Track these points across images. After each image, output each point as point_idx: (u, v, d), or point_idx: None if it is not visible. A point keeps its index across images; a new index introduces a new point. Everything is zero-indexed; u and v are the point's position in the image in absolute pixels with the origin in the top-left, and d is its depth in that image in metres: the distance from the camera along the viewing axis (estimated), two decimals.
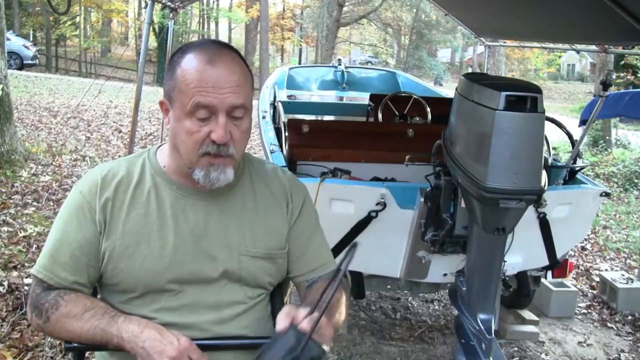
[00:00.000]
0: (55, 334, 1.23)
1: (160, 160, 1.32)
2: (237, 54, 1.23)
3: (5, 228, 4.59)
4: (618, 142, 13.13)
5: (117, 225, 1.24)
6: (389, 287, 3.37)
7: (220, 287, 1.28)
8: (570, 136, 3.62)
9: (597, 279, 4.90)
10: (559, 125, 3.44)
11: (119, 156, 7.72)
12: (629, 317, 4.34)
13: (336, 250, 2.88)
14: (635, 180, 9.53)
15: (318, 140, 3.52)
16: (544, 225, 2.92)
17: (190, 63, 1.17)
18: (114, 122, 10.52)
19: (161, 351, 1.10)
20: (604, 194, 3.09)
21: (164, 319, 1.23)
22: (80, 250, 1.23)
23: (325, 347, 1.08)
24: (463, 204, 2.35)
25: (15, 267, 3.95)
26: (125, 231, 1.24)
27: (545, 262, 3.13)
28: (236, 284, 1.30)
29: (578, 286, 4.85)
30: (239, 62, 1.21)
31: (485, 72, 6.66)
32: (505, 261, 2.40)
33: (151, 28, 10.27)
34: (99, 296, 1.33)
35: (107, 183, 1.26)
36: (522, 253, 2.94)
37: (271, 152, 3.47)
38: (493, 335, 2.32)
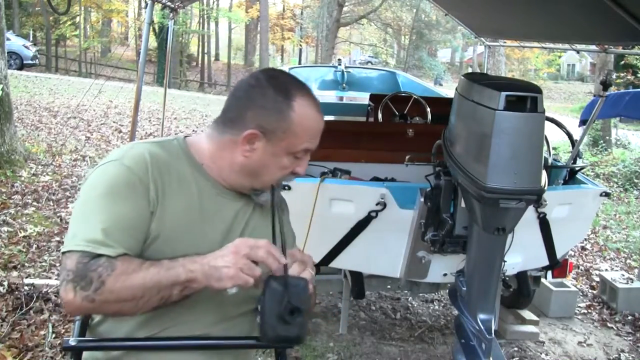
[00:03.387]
0: (111, 298, 1.13)
1: (198, 158, 1.33)
2: None
3: (5, 228, 4.59)
4: (618, 142, 13.14)
5: (167, 208, 1.24)
6: (389, 287, 3.37)
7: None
8: (570, 136, 3.62)
9: (597, 279, 4.90)
10: (559, 125, 3.44)
11: None
12: (629, 317, 4.34)
13: (336, 251, 2.89)
14: (635, 180, 9.53)
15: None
16: (544, 225, 2.91)
17: (306, 110, 1.29)
18: (114, 122, 10.52)
19: (225, 257, 1.16)
20: (604, 194, 3.09)
21: (171, 306, 1.21)
22: (134, 226, 1.20)
23: (305, 274, 1.20)
24: (463, 204, 2.34)
25: (15, 267, 3.96)
26: (174, 216, 1.24)
27: (545, 262, 3.13)
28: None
29: (578, 286, 4.85)
30: None
31: (485, 72, 6.67)
32: (505, 261, 2.39)
33: (151, 28, 10.27)
34: None
35: (155, 163, 1.25)
36: (522, 253, 2.94)
37: None
38: (493, 335, 2.32)
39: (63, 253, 1.17)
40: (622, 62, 14.78)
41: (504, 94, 1.94)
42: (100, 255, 1.14)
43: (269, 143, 1.27)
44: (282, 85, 1.29)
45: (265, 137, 1.27)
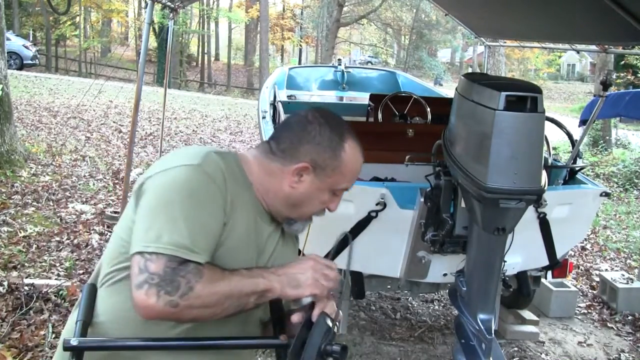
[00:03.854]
0: (197, 303, 1.13)
1: (248, 174, 1.36)
2: None
3: (5, 228, 4.59)
4: (618, 142, 13.13)
5: (235, 221, 1.26)
6: (389, 287, 3.37)
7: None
8: (570, 136, 3.62)
9: (597, 279, 4.90)
10: (559, 125, 3.44)
11: (119, 156, 7.73)
12: (629, 317, 4.34)
13: (336, 251, 2.88)
14: (635, 180, 9.53)
15: None
16: (544, 225, 2.91)
17: (354, 152, 1.38)
18: (114, 122, 10.52)
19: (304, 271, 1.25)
20: (604, 194, 3.08)
21: None
22: (213, 235, 1.22)
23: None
24: (463, 204, 2.34)
25: (15, 267, 3.96)
26: (238, 233, 1.27)
27: (545, 262, 3.12)
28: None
29: (578, 286, 4.85)
30: None
31: (485, 72, 6.67)
32: (505, 261, 2.39)
33: (151, 28, 10.28)
34: None
35: (229, 175, 1.27)
36: (522, 253, 2.94)
37: None
38: (493, 335, 2.32)
39: (140, 253, 1.14)
40: (622, 62, 14.78)
41: (504, 94, 1.94)
42: (187, 261, 1.14)
43: (316, 177, 1.34)
44: (337, 126, 1.37)
45: (314, 172, 1.33)
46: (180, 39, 27.32)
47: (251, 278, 1.20)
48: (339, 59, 7.50)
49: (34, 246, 4.37)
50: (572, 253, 5.48)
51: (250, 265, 1.27)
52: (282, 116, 3.98)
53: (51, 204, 5.39)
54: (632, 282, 4.57)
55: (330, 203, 1.39)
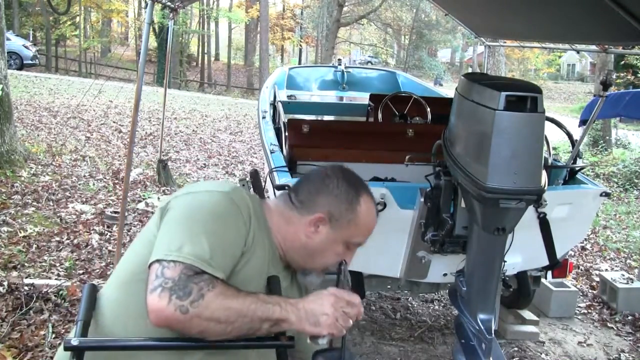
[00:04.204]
0: (205, 314, 1.13)
1: (269, 220, 1.40)
2: None
3: (5, 228, 4.59)
4: (618, 142, 13.14)
5: (252, 258, 1.29)
6: (389, 287, 3.37)
7: None
8: (570, 136, 3.62)
9: (597, 279, 4.90)
10: (559, 125, 3.44)
11: (119, 156, 7.73)
12: (629, 317, 4.34)
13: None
14: (635, 180, 9.53)
15: (318, 140, 3.51)
16: (544, 225, 2.91)
17: (369, 207, 1.44)
18: (114, 122, 10.52)
19: (321, 307, 1.22)
20: (604, 194, 3.08)
21: None
22: (232, 258, 1.24)
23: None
24: (463, 204, 2.34)
25: (15, 267, 3.96)
26: (252, 267, 1.29)
27: (545, 262, 3.12)
28: None
29: (578, 286, 4.85)
30: None
31: (485, 72, 6.66)
32: (505, 261, 2.39)
33: (151, 28, 10.28)
34: None
35: (255, 213, 1.32)
36: (522, 253, 2.94)
37: (271, 152, 3.47)
38: (493, 335, 2.32)
39: (159, 261, 1.16)
40: (622, 62, 14.79)
41: (504, 94, 1.94)
42: (202, 272, 1.16)
43: (332, 229, 1.38)
44: (354, 181, 1.45)
45: (330, 223, 1.38)
46: (180, 39, 27.32)
47: (267, 304, 1.19)
48: (339, 59, 7.49)
49: (34, 246, 4.37)
50: (572, 253, 5.48)
51: None
52: (282, 116, 3.98)
53: (51, 204, 5.39)
54: (632, 282, 4.57)
55: (345, 256, 1.41)
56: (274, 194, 3.09)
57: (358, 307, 1.25)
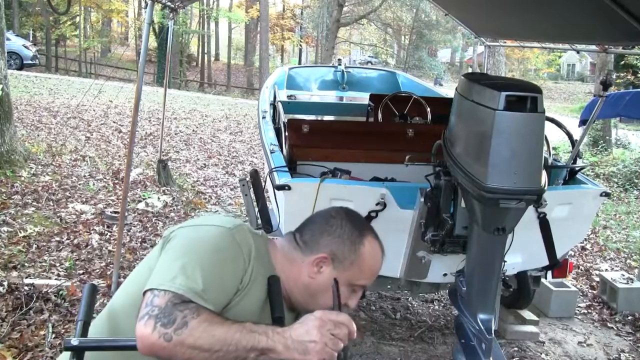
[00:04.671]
0: (189, 341, 1.12)
1: (273, 261, 1.40)
2: None
3: (5, 228, 4.59)
4: (618, 142, 13.14)
5: (249, 294, 1.29)
6: (389, 287, 3.37)
7: None
8: (570, 136, 3.62)
9: (597, 279, 4.90)
10: (559, 125, 3.44)
11: (119, 156, 7.72)
12: (629, 317, 4.34)
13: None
14: (635, 180, 9.53)
15: (318, 140, 3.51)
16: (544, 225, 2.91)
17: (374, 249, 1.41)
18: (114, 122, 10.52)
19: (308, 336, 1.17)
20: (604, 194, 3.09)
21: None
22: (226, 292, 1.25)
23: None
24: (463, 204, 2.35)
25: (15, 267, 3.96)
26: (249, 304, 1.29)
27: (545, 262, 3.12)
28: None
29: (578, 286, 4.85)
30: None
31: (485, 72, 6.66)
32: (505, 261, 2.39)
33: (151, 28, 10.28)
34: None
35: (256, 252, 1.32)
36: (522, 253, 2.94)
37: (271, 152, 3.47)
38: (493, 335, 2.32)
39: (151, 289, 1.18)
40: (622, 62, 14.80)
41: (504, 94, 1.94)
42: (191, 301, 1.16)
43: (334, 270, 1.37)
44: (358, 223, 1.44)
45: (333, 264, 1.37)
46: (180, 39, 27.32)
47: (253, 333, 1.17)
48: (339, 59, 7.49)
49: (34, 246, 4.37)
50: (572, 253, 5.47)
51: None
52: (282, 116, 3.98)
53: (51, 204, 5.39)
54: (632, 282, 4.57)
55: (349, 299, 1.39)
56: (274, 194, 3.09)
57: (348, 326, 1.22)
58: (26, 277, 3.76)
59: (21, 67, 18.65)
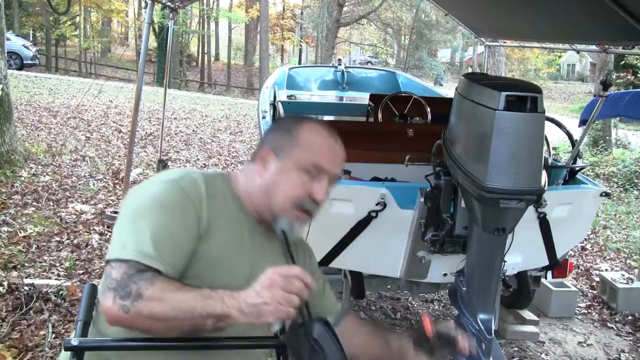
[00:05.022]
0: (145, 311, 1.13)
1: (236, 190, 1.39)
2: None
3: (5, 228, 4.59)
4: (618, 142, 13.13)
5: (214, 237, 1.27)
6: (389, 287, 3.37)
7: None
8: (570, 136, 3.62)
9: (597, 279, 4.90)
10: (559, 125, 3.44)
11: (119, 156, 7.73)
12: (629, 317, 4.34)
13: (336, 251, 2.89)
14: (635, 180, 9.53)
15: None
16: (544, 225, 2.91)
17: (314, 128, 1.37)
18: (114, 122, 10.52)
19: (257, 293, 1.13)
20: (604, 194, 3.08)
21: None
22: (182, 247, 1.23)
23: None
24: (463, 204, 2.34)
25: (15, 267, 3.96)
26: (218, 244, 1.28)
27: (545, 262, 3.12)
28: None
29: (578, 286, 4.85)
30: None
31: (485, 72, 6.67)
32: (505, 261, 2.39)
33: (151, 28, 10.26)
34: None
35: (209, 193, 1.30)
36: (522, 253, 2.94)
37: None
38: (493, 335, 2.32)
39: (108, 261, 1.18)
40: (622, 62, 14.80)
41: (504, 94, 1.94)
42: (146, 268, 1.16)
43: (279, 160, 1.34)
44: (299, 116, 1.44)
45: (276, 154, 1.34)
46: (180, 39, 27.32)
47: (209, 299, 1.14)
48: (339, 59, 7.50)
49: (34, 246, 4.37)
50: (572, 253, 5.47)
51: (239, 282, 1.23)
52: (282, 116, 3.98)
53: (51, 204, 5.39)
54: (632, 282, 4.57)
55: (312, 189, 1.32)
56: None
57: (301, 278, 1.13)
58: (26, 277, 3.76)
59: (21, 67, 18.65)
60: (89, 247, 4.52)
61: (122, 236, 1.21)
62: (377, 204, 2.73)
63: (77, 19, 27.90)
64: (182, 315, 1.13)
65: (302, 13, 34.84)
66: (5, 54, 6.55)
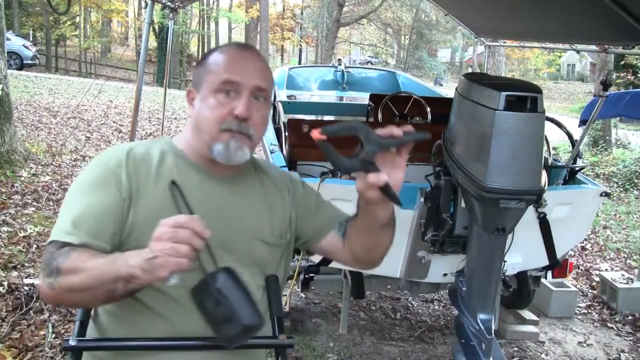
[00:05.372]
0: (64, 285, 1.14)
1: (178, 145, 1.38)
2: (262, 55, 1.42)
3: (5, 228, 4.59)
4: (618, 142, 13.12)
5: (144, 198, 1.27)
6: (389, 287, 3.37)
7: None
8: (570, 136, 3.62)
9: (597, 279, 4.90)
10: (559, 125, 3.44)
11: None
12: (629, 317, 4.34)
13: None
14: (635, 180, 9.52)
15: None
16: (544, 225, 2.91)
17: (221, 50, 1.35)
18: (114, 122, 10.52)
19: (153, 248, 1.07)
20: (604, 194, 3.08)
21: (178, 294, 1.22)
22: (104, 216, 1.23)
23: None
24: (463, 204, 2.35)
25: (15, 267, 3.96)
26: (152, 204, 1.26)
27: (545, 262, 3.13)
28: (248, 271, 1.33)
29: (578, 286, 4.85)
30: (263, 56, 1.40)
31: (485, 72, 6.66)
32: (505, 261, 2.39)
33: (151, 28, 10.26)
34: None
35: (132, 156, 1.30)
36: (522, 253, 2.94)
37: (271, 152, 3.47)
38: (493, 335, 2.32)
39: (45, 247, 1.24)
40: (622, 62, 14.80)
41: (504, 94, 1.94)
42: (64, 244, 1.19)
43: (199, 93, 1.33)
44: (215, 47, 1.42)
45: (197, 89, 1.34)
46: (180, 39, 27.31)
47: (116, 262, 1.12)
48: (339, 59, 7.50)
49: (34, 246, 4.37)
50: (572, 253, 5.47)
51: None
52: (282, 116, 3.98)
53: (51, 204, 5.39)
54: (632, 282, 4.57)
55: (229, 106, 1.27)
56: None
57: (188, 226, 1.05)
58: (26, 277, 3.76)
59: (21, 67, 18.65)
60: None
61: (56, 221, 1.26)
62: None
63: (77, 19, 27.90)
64: (94, 282, 1.13)
65: (302, 13, 34.84)
66: (5, 54, 6.55)
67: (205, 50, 33.30)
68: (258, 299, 1.34)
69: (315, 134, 1.14)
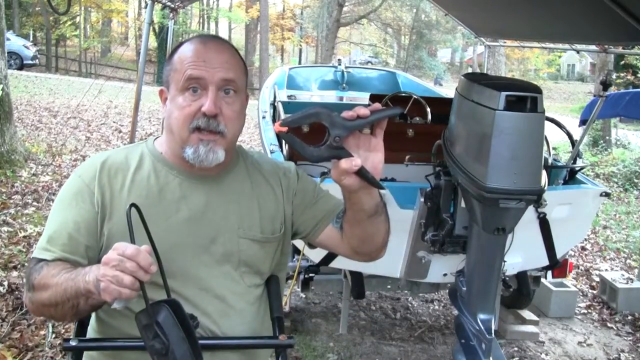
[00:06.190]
0: (38, 300, 1.18)
1: (158, 147, 1.36)
2: (230, 44, 1.36)
3: (5, 228, 4.59)
4: (618, 142, 13.13)
5: (119, 207, 1.26)
6: (389, 287, 3.37)
7: (223, 273, 1.31)
8: (570, 136, 3.62)
9: (597, 279, 4.90)
10: (559, 125, 3.44)
11: None
12: (629, 317, 4.34)
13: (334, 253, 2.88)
14: (635, 180, 9.53)
15: (318, 140, 3.50)
16: (544, 225, 2.91)
17: (185, 46, 1.30)
18: (114, 122, 10.52)
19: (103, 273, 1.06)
20: (604, 194, 3.08)
21: None
22: (77, 231, 1.24)
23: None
24: (463, 204, 2.34)
25: (15, 267, 3.95)
26: (122, 216, 1.23)
27: (545, 262, 3.12)
28: (237, 271, 1.32)
29: (578, 286, 4.85)
30: (230, 46, 1.33)
31: (485, 72, 6.66)
32: (505, 261, 2.39)
33: (151, 28, 10.24)
34: None
35: (106, 167, 1.30)
36: (522, 253, 2.94)
37: (271, 152, 3.47)
38: (493, 335, 2.32)
39: None
40: (622, 62, 14.79)
41: (504, 94, 1.94)
42: (39, 260, 1.23)
43: (169, 92, 1.30)
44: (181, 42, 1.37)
45: (167, 89, 1.30)
46: (180, 39, 27.32)
47: (77, 278, 1.12)
48: (339, 59, 7.49)
49: (34, 246, 4.36)
50: (572, 253, 5.47)
51: (179, 238, 1.26)
52: (282, 116, 3.98)
53: (51, 204, 5.36)
54: (632, 282, 4.57)
55: (197, 103, 1.23)
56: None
57: (136, 259, 1.02)
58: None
59: (21, 67, 18.65)
60: None
61: None
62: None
63: (77, 19, 27.89)
64: (60, 298, 1.15)
65: (302, 13, 34.83)
66: (5, 54, 6.55)
67: None
68: (251, 299, 1.35)
69: (276, 126, 1.10)
